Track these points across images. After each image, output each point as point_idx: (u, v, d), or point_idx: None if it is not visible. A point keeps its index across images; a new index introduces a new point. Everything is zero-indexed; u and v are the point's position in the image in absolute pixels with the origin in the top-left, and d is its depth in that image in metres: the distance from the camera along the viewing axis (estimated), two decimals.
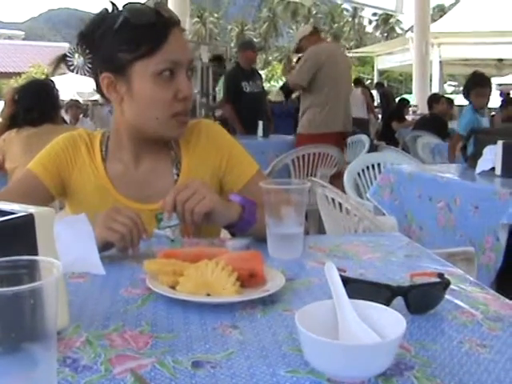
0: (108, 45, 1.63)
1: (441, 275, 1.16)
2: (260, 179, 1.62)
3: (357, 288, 1.03)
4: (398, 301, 1.04)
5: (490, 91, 5.87)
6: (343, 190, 4.20)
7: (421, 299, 1.06)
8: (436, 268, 1.36)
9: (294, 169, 5.43)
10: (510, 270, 2.97)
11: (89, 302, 1.12)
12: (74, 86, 20.67)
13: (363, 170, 4.41)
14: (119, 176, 1.75)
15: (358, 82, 13.84)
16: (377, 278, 1.26)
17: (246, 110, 7.00)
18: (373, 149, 7.24)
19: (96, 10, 1.72)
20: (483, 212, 2.96)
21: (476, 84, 5.72)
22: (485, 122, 5.86)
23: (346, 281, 1.02)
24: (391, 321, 0.87)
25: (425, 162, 6.36)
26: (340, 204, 2.66)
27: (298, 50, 6.20)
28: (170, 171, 1.78)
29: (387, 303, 1.02)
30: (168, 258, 1.21)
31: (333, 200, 2.74)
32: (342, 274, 1.10)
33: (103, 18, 1.66)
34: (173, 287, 1.13)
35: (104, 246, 1.36)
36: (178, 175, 1.78)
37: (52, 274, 0.70)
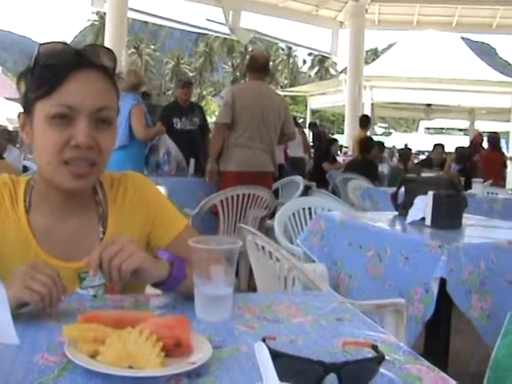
0: (26, 83, 1.59)
1: (375, 347, 1.13)
2: (188, 235, 1.57)
3: (288, 364, 0.98)
4: (331, 376, 1.00)
5: None
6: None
7: (354, 376, 1.02)
8: (369, 334, 1.31)
9: (222, 210, 5.36)
10: (438, 322, 2.99)
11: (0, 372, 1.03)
12: (3, 112, 20.27)
13: (294, 214, 4.39)
14: (42, 230, 1.64)
15: (294, 121, 14.01)
16: (308, 346, 1.22)
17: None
18: (306, 190, 7.26)
19: (31, 33, 1.66)
20: (413, 263, 2.97)
21: None
22: None
23: (276, 355, 0.97)
24: None
25: (355, 205, 6.42)
26: (270, 252, 2.62)
27: None
28: (96, 228, 1.70)
29: (320, 380, 0.98)
30: (89, 322, 1.14)
31: (263, 247, 2.70)
32: (272, 342, 1.06)
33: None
34: (94, 356, 1.06)
35: (20, 305, 1.28)
36: (103, 233, 1.69)
37: None
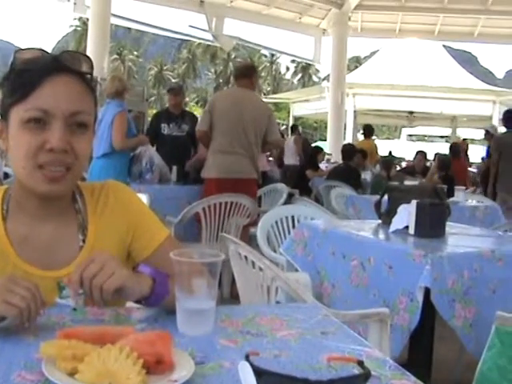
0: (3, 90, 1.56)
1: (360, 363, 1.11)
2: (170, 245, 1.54)
3: (272, 381, 0.96)
4: None
5: None
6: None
7: None
8: (354, 349, 1.29)
9: (205, 218, 5.33)
10: (422, 331, 2.97)
11: None
12: None
13: (277, 222, 4.37)
14: (20, 238, 1.60)
15: (295, 129, 14.33)
16: (292, 361, 1.19)
17: (160, 151, 6.83)
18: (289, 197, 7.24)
19: (13, 38, 1.63)
20: (397, 272, 2.95)
21: None
22: None
23: (259, 373, 0.95)
24: None
25: (338, 213, 6.41)
26: (253, 261, 2.60)
27: None
28: (76, 236, 1.66)
29: None
30: (68, 338, 1.10)
31: (246, 257, 2.68)
32: (256, 358, 1.03)
33: None
34: (72, 374, 1.02)
35: None
36: (83, 241, 1.65)
37: None
